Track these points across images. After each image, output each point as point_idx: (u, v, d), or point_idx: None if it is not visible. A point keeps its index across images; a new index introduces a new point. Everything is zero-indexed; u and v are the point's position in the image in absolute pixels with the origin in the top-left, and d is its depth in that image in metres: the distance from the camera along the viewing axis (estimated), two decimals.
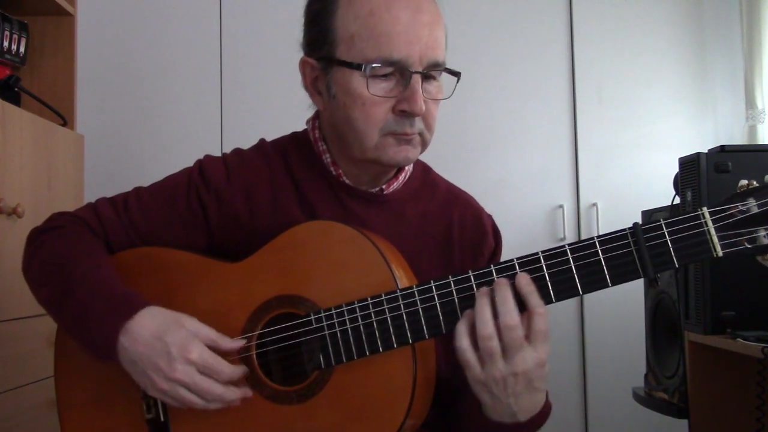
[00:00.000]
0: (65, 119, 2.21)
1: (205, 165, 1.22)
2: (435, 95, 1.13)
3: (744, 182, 0.99)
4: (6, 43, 2.08)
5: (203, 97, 2.83)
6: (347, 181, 1.20)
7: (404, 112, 1.09)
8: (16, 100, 2.06)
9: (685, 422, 1.98)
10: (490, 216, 1.29)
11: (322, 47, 1.13)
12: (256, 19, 2.84)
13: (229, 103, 2.83)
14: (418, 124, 1.11)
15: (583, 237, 2.80)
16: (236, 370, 1.06)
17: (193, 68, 2.84)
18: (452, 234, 1.24)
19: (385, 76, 1.09)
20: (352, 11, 1.10)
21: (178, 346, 1.03)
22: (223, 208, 1.19)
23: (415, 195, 1.24)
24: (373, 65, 1.08)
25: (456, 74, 1.14)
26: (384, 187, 1.21)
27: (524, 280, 0.97)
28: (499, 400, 0.99)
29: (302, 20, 1.19)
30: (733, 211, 0.96)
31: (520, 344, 0.96)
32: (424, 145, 1.16)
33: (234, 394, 1.06)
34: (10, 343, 1.80)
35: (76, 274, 1.11)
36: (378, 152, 1.12)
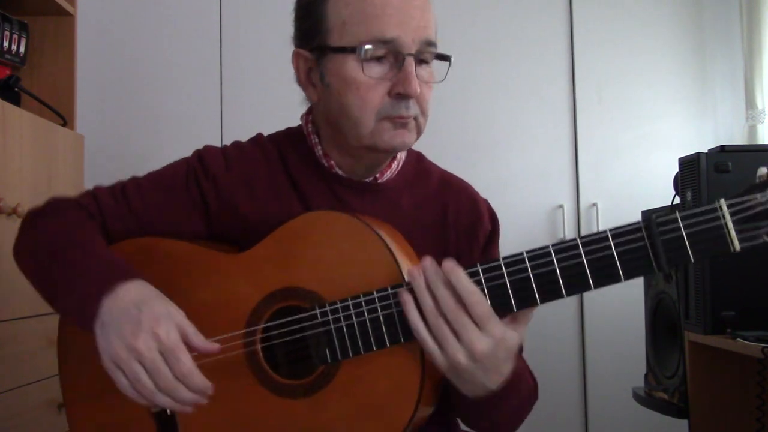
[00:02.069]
0: (65, 119, 2.21)
1: (204, 153, 1.23)
2: (428, 79, 1.14)
3: (764, 170, 0.94)
4: (6, 43, 2.08)
5: (203, 97, 2.83)
6: (340, 172, 1.20)
7: (400, 95, 1.10)
8: (16, 100, 2.06)
9: (685, 422, 1.98)
10: (486, 200, 1.29)
11: (315, 37, 1.14)
12: (256, 19, 2.84)
13: (229, 103, 2.83)
14: (413, 107, 1.12)
15: None
16: (196, 375, 1.00)
17: (193, 68, 2.84)
18: (447, 220, 1.24)
19: (378, 59, 1.10)
20: None
21: (149, 317, 0.99)
22: (222, 197, 1.19)
23: (410, 183, 1.24)
24: (367, 46, 1.08)
25: (447, 58, 1.15)
26: (378, 176, 1.21)
27: (446, 266, 0.95)
28: (471, 383, 0.98)
29: (293, 15, 1.20)
30: (753, 203, 0.91)
31: (463, 324, 0.94)
32: (419, 130, 1.16)
33: (186, 395, 1.00)
34: (10, 343, 1.80)
35: (73, 240, 1.12)
36: (374, 138, 1.12)
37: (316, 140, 1.21)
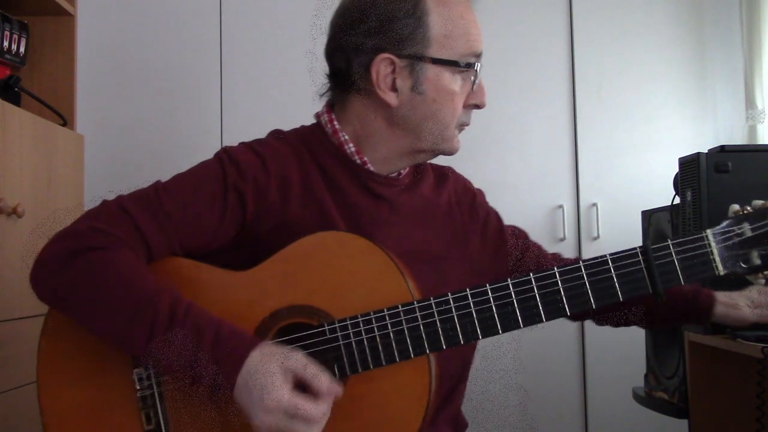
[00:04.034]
0: (65, 119, 2.21)
1: (235, 155, 1.18)
2: None
3: (736, 207, 1.10)
4: (6, 43, 2.08)
5: (203, 97, 2.83)
6: (372, 168, 1.23)
7: (474, 106, 1.23)
8: (16, 100, 2.06)
9: (685, 422, 1.98)
10: (469, 180, 1.43)
11: (413, 45, 1.18)
12: (256, 18, 2.84)
13: (229, 103, 2.83)
14: None
15: (583, 237, 2.80)
16: (322, 408, 1.00)
17: (193, 68, 2.83)
18: (451, 203, 1.33)
19: (466, 73, 1.20)
20: (446, 14, 1.19)
21: (259, 391, 0.99)
22: (259, 197, 1.17)
23: (418, 176, 1.32)
24: (464, 58, 1.18)
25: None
26: (402, 171, 1.28)
27: None
28: None
29: (363, 17, 1.19)
30: (731, 234, 1.07)
31: None
32: None
33: (326, 412, 1.01)
34: (10, 343, 1.80)
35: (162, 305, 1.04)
36: (449, 143, 1.23)
37: (345, 137, 1.23)
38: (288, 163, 1.19)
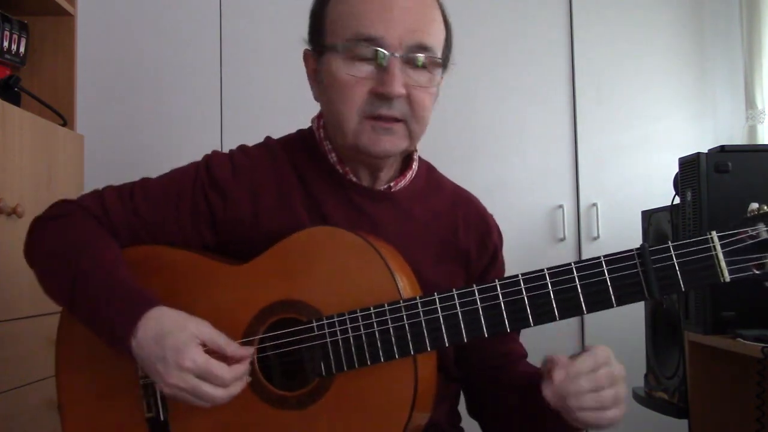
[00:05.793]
0: (65, 119, 2.21)
1: (211, 162, 1.21)
2: (420, 82, 1.12)
3: (755, 206, 0.97)
4: (6, 43, 2.08)
5: (203, 97, 2.83)
6: (354, 179, 1.19)
7: (379, 95, 1.09)
8: (16, 100, 2.06)
9: (685, 422, 1.98)
10: (492, 216, 1.30)
11: (317, 37, 1.17)
12: (256, 18, 2.84)
13: (229, 103, 2.83)
14: (400, 107, 1.11)
15: (583, 237, 2.80)
16: (236, 372, 1.04)
17: (193, 68, 2.83)
18: (458, 233, 1.24)
19: (366, 59, 1.10)
20: None
21: (173, 351, 1.02)
22: (228, 207, 1.18)
23: (422, 194, 1.24)
24: (346, 42, 1.10)
25: (443, 65, 1.15)
26: (392, 184, 1.21)
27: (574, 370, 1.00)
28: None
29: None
30: (743, 236, 0.95)
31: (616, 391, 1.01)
32: (411, 136, 1.14)
33: (237, 389, 1.04)
34: (10, 343, 1.80)
35: (83, 265, 1.11)
36: (356, 138, 1.12)
37: (330, 146, 1.20)
38: (263, 175, 1.19)
